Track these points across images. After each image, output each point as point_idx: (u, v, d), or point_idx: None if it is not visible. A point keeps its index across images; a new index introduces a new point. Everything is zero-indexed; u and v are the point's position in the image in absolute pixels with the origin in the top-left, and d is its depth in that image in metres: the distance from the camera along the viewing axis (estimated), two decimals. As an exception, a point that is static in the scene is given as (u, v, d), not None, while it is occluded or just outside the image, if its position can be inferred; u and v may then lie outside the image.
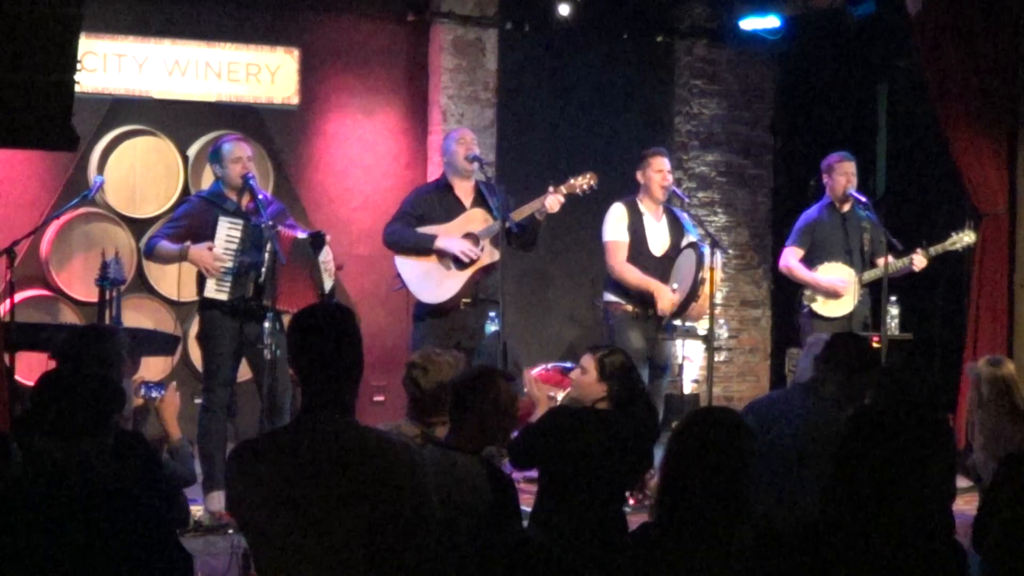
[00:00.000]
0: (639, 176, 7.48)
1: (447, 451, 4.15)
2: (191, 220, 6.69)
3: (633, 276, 7.32)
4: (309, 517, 2.97)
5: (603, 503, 4.59)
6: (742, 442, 3.37)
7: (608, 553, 4.41)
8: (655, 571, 3.28)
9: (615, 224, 7.42)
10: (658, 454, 5.24)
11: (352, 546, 2.97)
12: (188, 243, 6.60)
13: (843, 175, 7.70)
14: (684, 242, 7.47)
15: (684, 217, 7.62)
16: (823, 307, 7.68)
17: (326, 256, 6.70)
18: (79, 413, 3.09)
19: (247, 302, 6.53)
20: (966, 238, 7.77)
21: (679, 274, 7.31)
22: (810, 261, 7.73)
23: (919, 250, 7.63)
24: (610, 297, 7.48)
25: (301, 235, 6.68)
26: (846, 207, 7.76)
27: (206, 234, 6.60)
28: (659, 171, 7.43)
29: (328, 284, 6.70)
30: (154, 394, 5.45)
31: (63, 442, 3.04)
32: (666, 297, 7.22)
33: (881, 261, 7.64)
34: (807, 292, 7.73)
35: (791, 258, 7.79)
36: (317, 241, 6.66)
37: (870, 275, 7.69)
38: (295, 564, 2.98)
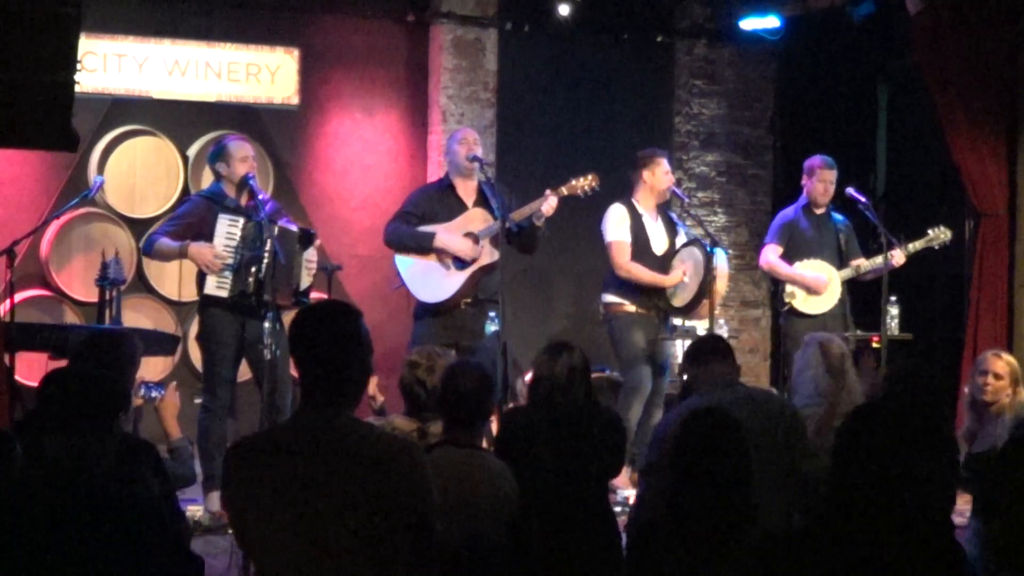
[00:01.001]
0: (642, 176, 7.49)
1: (470, 451, 4.16)
2: (192, 219, 6.71)
3: (644, 274, 7.35)
4: (307, 514, 2.96)
5: (580, 498, 4.57)
6: (741, 441, 3.38)
7: (595, 549, 4.41)
8: (663, 569, 3.29)
9: (617, 224, 7.43)
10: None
11: (350, 544, 2.96)
12: (188, 240, 6.61)
13: (822, 182, 7.78)
14: (680, 241, 7.49)
15: (675, 217, 7.68)
16: (803, 304, 7.71)
17: (311, 255, 6.74)
18: (85, 412, 3.09)
19: (247, 297, 6.54)
20: (942, 236, 7.83)
21: (686, 265, 7.32)
22: (788, 260, 7.76)
23: (897, 247, 7.66)
24: (610, 298, 7.49)
25: (292, 228, 6.70)
26: (821, 210, 7.82)
27: (207, 233, 6.62)
28: (667, 172, 7.50)
29: (305, 283, 6.72)
30: (154, 394, 5.43)
31: (67, 440, 3.04)
32: (675, 278, 7.28)
33: (855, 262, 7.73)
34: (787, 290, 7.76)
35: (771, 255, 7.82)
36: (305, 238, 6.70)
37: (848, 272, 7.74)
38: (292, 562, 2.97)
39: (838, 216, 7.85)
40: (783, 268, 7.75)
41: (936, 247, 7.87)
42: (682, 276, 7.29)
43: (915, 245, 7.76)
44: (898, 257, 7.64)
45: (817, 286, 7.67)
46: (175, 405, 4.95)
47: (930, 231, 7.82)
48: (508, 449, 4.59)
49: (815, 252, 7.75)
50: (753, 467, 3.43)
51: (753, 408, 4.56)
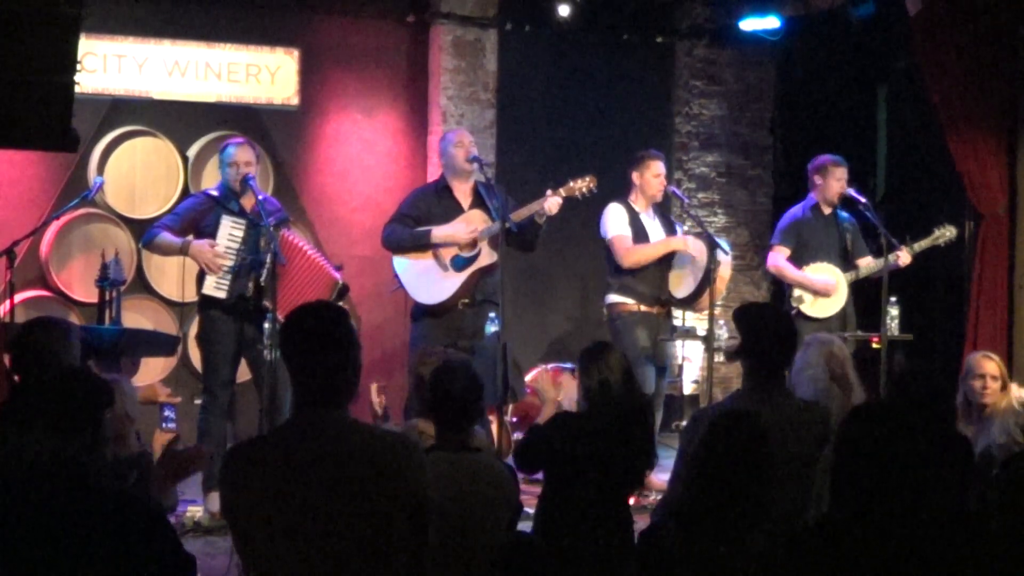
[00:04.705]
0: (634, 176, 7.49)
1: (467, 454, 4.17)
2: (194, 215, 6.74)
3: (649, 249, 7.36)
4: (305, 517, 2.96)
5: (605, 503, 4.59)
6: (767, 447, 3.41)
7: (613, 552, 4.42)
8: (674, 569, 3.30)
9: (617, 221, 7.44)
10: (662, 455, 5.27)
11: (350, 544, 2.96)
12: (190, 237, 6.63)
13: (838, 180, 7.66)
14: (680, 233, 7.53)
15: (672, 218, 7.70)
16: (811, 308, 7.66)
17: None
18: (66, 408, 3.07)
19: (247, 301, 6.55)
20: (947, 233, 7.77)
21: (689, 255, 7.31)
22: (796, 262, 7.71)
23: (903, 247, 7.63)
24: (614, 298, 7.47)
25: (336, 275, 6.77)
26: (829, 210, 7.75)
27: (207, 231, 6.63)
28: (656, 175, 7.46)
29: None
30: (167, 412, 5.46)
31: (52, 440, 3.02)
32: (681, 243, 7.30)
33: (862, 262, 7.67)
34: (795, 294, 7.71)
35: (779, 258, 7.76)
36: (341, 293, 6.79)
37: (860, 273, 7.70)
38: (291, 565, 2.97)
39: (844, 214, 7.74)
40: (791, 272, 7.70)
41: (942, 244, 7.82)
42: (685, 244, 7.28)
43: (921, 244, 7.70)
44: (904, 257, 7.60)
45: (826, 290, 7.61)
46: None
47: (935, 229, 7.76)
48: (545, 451, 4.62)
49: (822, 254, 7.67)
50: (776, 473, 3.45)
51: (779, 408, 4.53)
